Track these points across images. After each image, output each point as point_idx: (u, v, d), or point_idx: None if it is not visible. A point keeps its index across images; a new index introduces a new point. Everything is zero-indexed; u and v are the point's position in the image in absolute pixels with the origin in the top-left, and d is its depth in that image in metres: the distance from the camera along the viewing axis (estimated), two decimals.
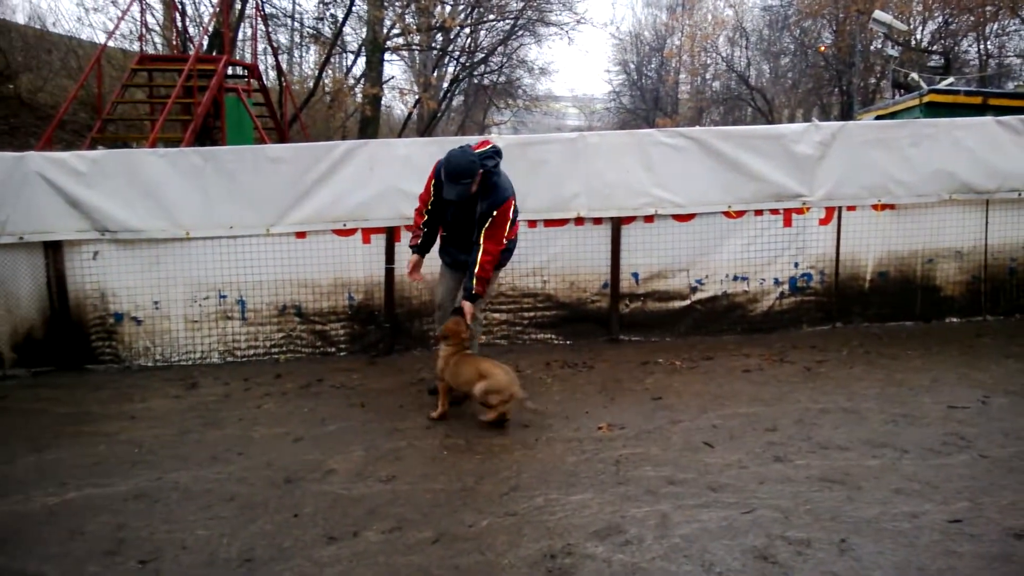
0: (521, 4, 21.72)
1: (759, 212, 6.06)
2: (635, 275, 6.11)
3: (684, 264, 6.12)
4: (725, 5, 32.28)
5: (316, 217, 5.82)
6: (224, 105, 11.41)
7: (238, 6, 15.75)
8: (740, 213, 6.05)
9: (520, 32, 23.45)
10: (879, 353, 5.49)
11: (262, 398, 5.07)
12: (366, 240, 5.90)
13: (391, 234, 5.87)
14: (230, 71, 12.47)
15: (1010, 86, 21.45)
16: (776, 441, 4.02)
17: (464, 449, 4.09)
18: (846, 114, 24.24)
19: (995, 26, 23.76)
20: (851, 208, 6.06)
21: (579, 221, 5.99)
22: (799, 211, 6.05)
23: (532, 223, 5.95)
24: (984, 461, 3.64)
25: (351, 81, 21.27)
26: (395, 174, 5.78)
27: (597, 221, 6.01)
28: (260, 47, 15.64)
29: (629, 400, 4.76)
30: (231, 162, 5.76)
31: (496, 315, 6.07)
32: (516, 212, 4.64)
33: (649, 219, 6.02)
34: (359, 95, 19.75)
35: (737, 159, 5.91)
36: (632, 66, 38.39)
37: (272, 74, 18.32)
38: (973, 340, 5.69)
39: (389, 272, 5.90)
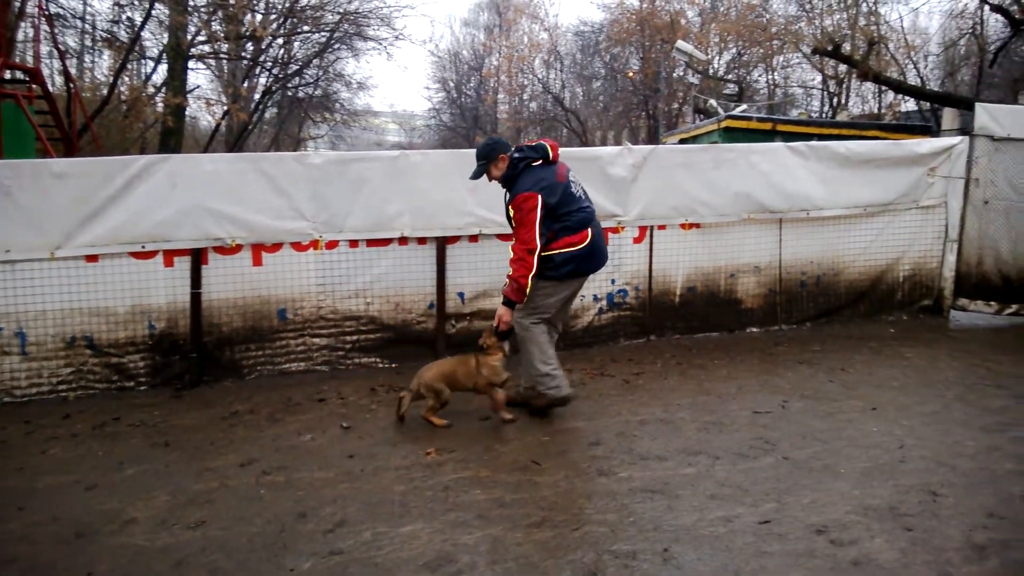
0: (337, 17, 21.33)
1: None
2: (461, 295, 6.13)
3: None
4: (540, 29, 33.70)
5: (110, 238, 5.30)
6: None
7: (17, 4, 14.15)
8: None
9: (336, 45, 23.03)
10: (690, 364, 5.88)
11: (47, 442, 4.52)
12: (168, 263, 5.45)
13: (197, 256, 5.47)
14: (7, 75, 11.17)
15: (794, 113, 24.11)
16: (600, 455, 4.17)
17: (284, 486, 3.86)
18: (653, 137, 26.09)
19: (781, 59, 26.69)
20: (662, 227, 6.46)
21: (403, 241, 5.91)
22: (615, 230, 6.35)
23: (354, 243, 5.81)
24: (787, 463, 3.99)
25: (151, 89, 19.80)
26: (201, 191, 5.40)
27: (422, 241, 5.97)
28: (44, 50, 14.15)
29: (457, 422, 4.73)
30: (7, 178, 5.11)
31: (316, 340, 5.84)
32: (546, 210, 4.40)
33: (474, 239, 6.06)
34: (160, 105, 18.42)
35: None
36: (451, 84, 38.95)
37: (59, 79, 16.65)
38: (772, 348, 6.26)
39: (195, 297, 5.49)
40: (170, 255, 5.44)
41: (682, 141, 15.19)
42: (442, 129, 39.01)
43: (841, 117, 20.94)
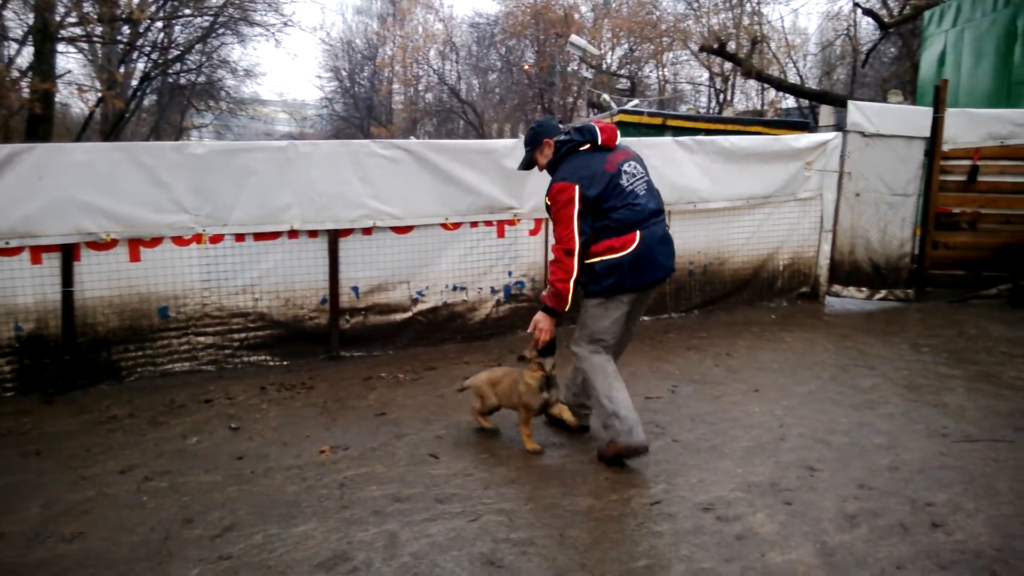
0: (221, 1, 20.47)
1: (475, 224, 6.33)
2: (355, 289, 6.03)
3: (405, 276, 6.19)
4: (435, 19, 33.50)
5: None
6: None
7: None
8: (457, 225, 6.26)
9: (221, 30, 22.10)
10: None
11: None
12: (36, 260, 5.10)
13: (68, 253, 5.14)
14: None
15: (684, 109, 24.98)
16: (498, 445, 4.21)
17: (168, 492, 3.70)
18: None
19: (671, 55, 27.57)
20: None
21: (293, 234, 5.76)
22: (511, 223, 6.42)
23: (240, 237, 5.61)
24: (676, 445, 4.15)
25: (15, 74, 18.37)
26: (72, 183, 5.07)
27: (312, 234, 5.84)
28: None
29: (352, 419, 4.68)
30: None
31: (201, 339, 5.61)
32: (586, 203, 3.70)
33: (367, 231, 5.98)
34: (26, 90, 17.14)
35: (452, 172, 6.12)
36: (344, 73, 38.16)
37: None
38: (662, 336, 6.49)
39: (67, 296, 5.16)
40: (38, 251, 5.09)
41: None
42: (335, 119, 38.20)
43: (727, 113, 21.89)
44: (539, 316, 3.89)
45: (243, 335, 5.75)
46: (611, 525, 3.31)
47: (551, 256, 3.82)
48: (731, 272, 7.30)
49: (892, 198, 7.47)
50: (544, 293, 3.89)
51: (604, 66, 26.69)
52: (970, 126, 7.51)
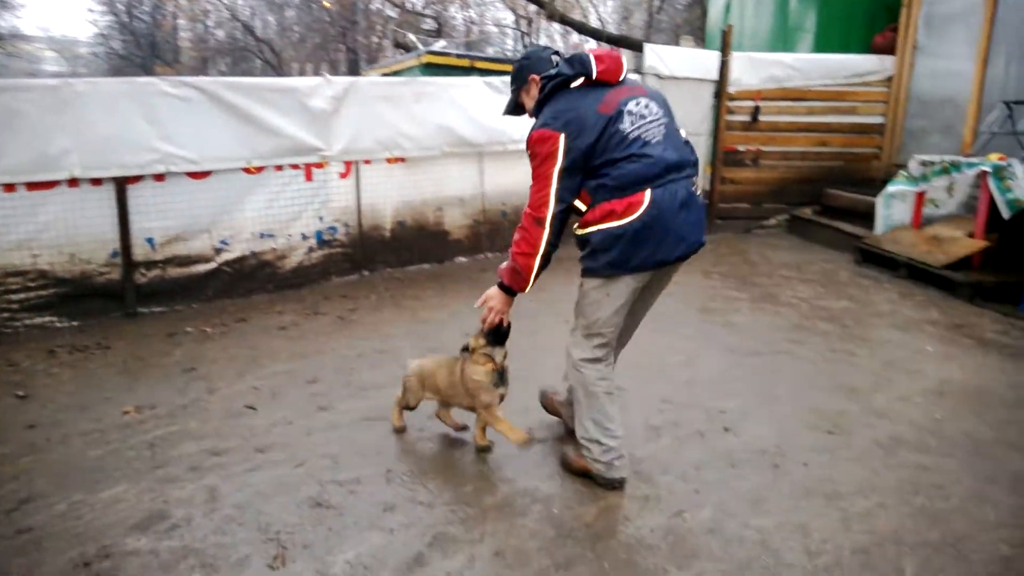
0: None
1: (279, 167, 6.08)
2: (150, 240, 5.62)
3: (205, 225, 5.84)
4: None
5: None
6: None
7: None
8: (260, 169, 5.98)
9: None
10: (403, 296, 6.05)
11: None
12: None
13: None
14: None
15: (490, 51, 25.13)
16: (319, 392, 4.17)
17: None
18: (353, 71, 25.58)
19: None
20: (367, 162, 6.46)
21: (73, 182, 5.24)
22: (319, 165, 6.23)
23: (10, 187, 5.03)
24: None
25: None
26: None
27: (96, 182, 5.34)
28: None
29: (157, 376, 4.41)
30: None
31: None
32: (577, 157, 2.81)
33: (160, 177, 5.56)
34: None
35: (252, 112, 5.80)
36: (120, 6, 34.44)
37: None
38: (479, 276, 6.65)
39: None
40: None
41: (384, 76, 15.12)
42: (113, 58, 34.50)
43: None
44: (492, 291, 3.14)
45: (22, 296, 5.19)
46: (438, 457, 3.41)
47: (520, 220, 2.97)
48: None
49: (687, 137, 8.04)
50: (502, 266, 3.08)
51: (409, 5, 26.13)
52: (752, 69, 8.23)
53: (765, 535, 2.81)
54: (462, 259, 7.16)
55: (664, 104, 2.99)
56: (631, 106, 2.86)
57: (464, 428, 3.65)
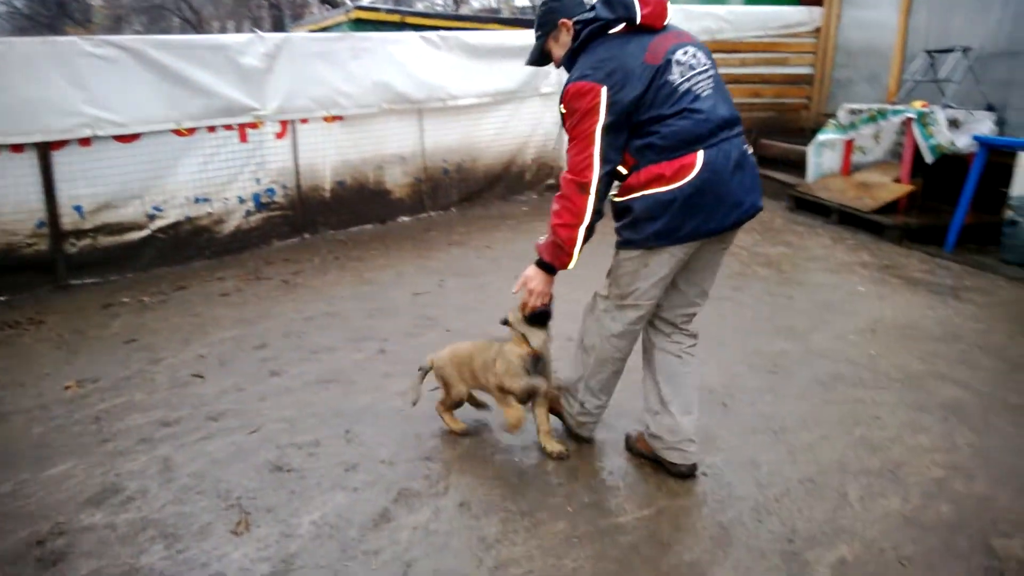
0: None
1: (212, 128, 5.88)
2: (78, 208, 5.39)
3: (137, 191, 5.63)
4: None
5: None
6: None
7: None
8: (192, 130, 5.78)
9: None
10: (348, 257, 5.97)
11: None
12: None
13: None
14: None
15: (420, 6, 24.59)
16: (269, 357, 4.11)
17: None
18: (278, 28, 24.71)
19: None
20: (304, 121, 6.30)
21: None
22: (253, 125, 6.05)
23: None
24: (449, 334, 4.33)
25: None
26: None
27: (17, 148, 5.08)
28: None
29: (96, 349, 4.28)
30: None
31: None
32: (620, 113, 2.45)
33: (86, 142, 5.32)
34: None
35: (181, 72, 5.58)
36: None
37: None
38: (423, 235, 6.61)
39: None
40: None
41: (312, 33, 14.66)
42: (16, 18, 32.46)
43: (463, 11, 21.93)
44: (531, 271, 2.76)
45: None
46: (396, 416, 3.42)
47: (559, 191, 2.58)
48: (484, 168, 7.54)
49: None
50: (540, 240, 2.73)
51: None
52: (687, 21, 8.26)
53: (718, 471, 2.93)
54: (405, 218, 7.09)
55: (709, 54, 2.63)
56: (679, 55, 2.51)
57: (467, 433, 3.26)
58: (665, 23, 2.61)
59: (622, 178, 2.56)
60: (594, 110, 2.44)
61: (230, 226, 6.11)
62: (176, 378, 3.89)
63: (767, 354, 4.03)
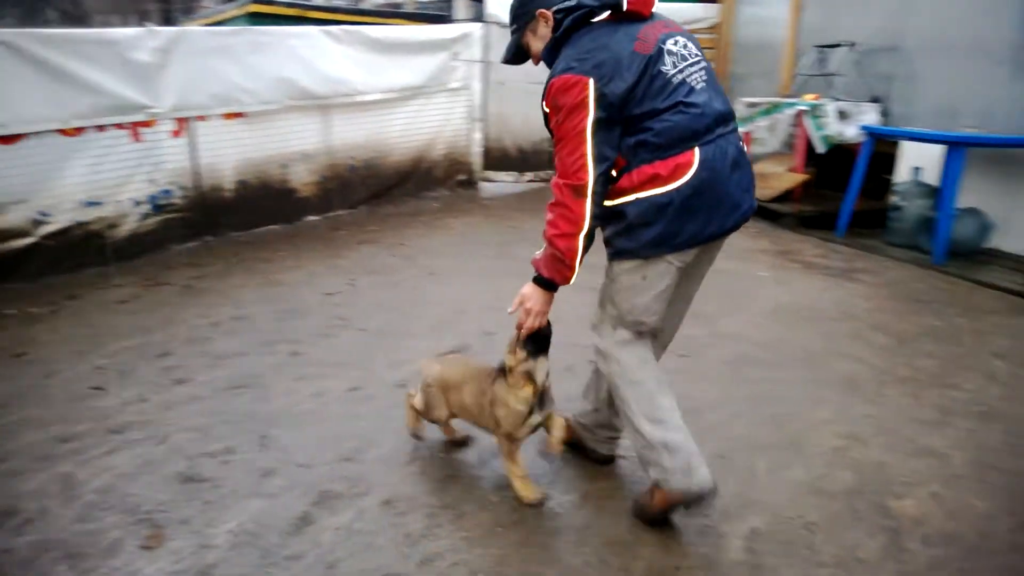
0: None
1: (102, 128, 5.60)
2: None
3: (20, 195, 5.31)
4: None
5: None
6: None
7: None
8: (80, 130, 5.49)
9: None
10: (254, 259, 5.82)
11: None
12: None
13: None
14: None
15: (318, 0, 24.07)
16: (173, 365, 3.97)
17: None
18: (168, 23, 23.75)
19: None
20: (202, 118, 6.09)
21: None
22: (147, 124, 5.81)
23: None
24: (364, 334, 4.29)
25: None
26: None
27: None
28: None
29: None
30: None
31: None
32: (610, 107, 2.24)
33: None
34: None
35: (66, 68, 5.29)
36: None
37: None
38: (332, 234, 6.51)
39: None
40: None
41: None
42: None
43: (364, 5, 21.64)
44: (527, 289, 2.50)
45: None
46: (312, 417, 3.37)
47: (551, 195, 2.35)
48: (393, 165, 7.48)
49: (531, 86, 8.15)
50: (536, 255, 2.47)
51: None
52: None
53: (632, 452, 3.02)
54: (313, 218, 6.96)
55: (698, 44, 2.46)
56: (670, 44, 2.34)
57: (464, 443, 3.11)
58: (653, 9, 2.42)
59: (612, 180, 2.35)
60: (582, 105, 2.22)
61: (125, 230, 5.85)
62: (73, 392, 3.70)
63: (677, 339, 4.09)
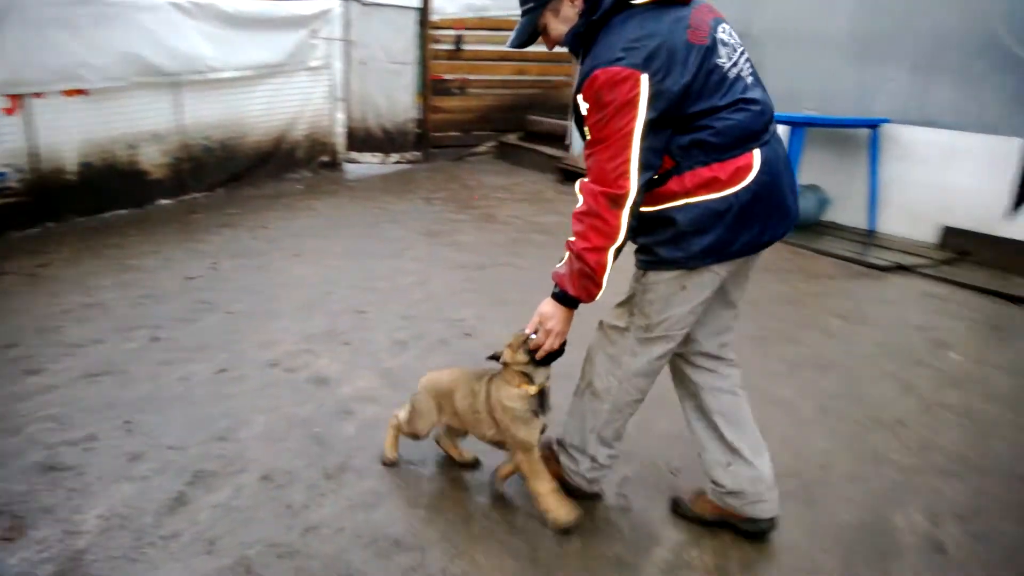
0: None
1: None
2: None
3: None
4: None
5: None
6: None
7: None
8: None
9: None
10: (104, 244, 5.53)
11: None
12: None
13: None
14: None
15: None
16: (22, 355, 3.75)
17: None
18: None
19: None
20: (39, 95, 5.70)
21: None
22: None
23: None
24: (230, 316, 4.22)
25: None
26: None
27: None
28: None
29: None
30: None
31: None
32: (665, 105, 2.00)
33: None
34: None
35: None
36: None
37: None
38: (188, 217, 6.27)
39: None
40: None
41: None
42: None
43: None
44: (548, 307, 2.28)
45: None
46: (179, 401, 3.30)
47: (578, 200, 2.13)
48: (252, 145, 7.29)
49: (393, 66, 8.18)
50: (558, 268, 2.23)
51: None
52: None
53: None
54: (166, 201, 6.67)
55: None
56: (722, 33, 2.11)
57: (475, 465, 2.86)
58: None
59: (655, 184, 2.11)
60: (632, 104, 1.97)
61: None
62: None
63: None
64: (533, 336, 2.29)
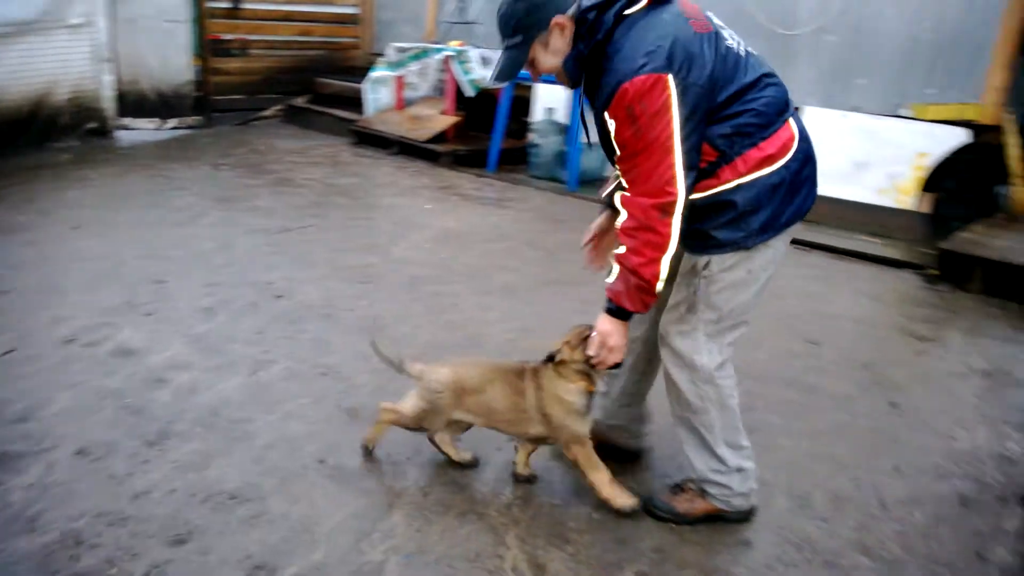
0: None
1: None
2: None
3: None
4: None
5: None
6: None
7: None
8: None
9: None
10: None
11: None
12: None
13: None
14: None
15: None
16: None
17: None
18: None
19: None
20: None
21: None
22: None
23: None
24: (9, 296, 3.87)
25: None
26: None
27: None
28: None
29: None
30: None
31: None
32: (696, 103, 1.99)
33: None
34: None
35: None
36: None
37: None
38: None
39: None
40: None
41: None
42: None
43: None
44: (606, 325, 2.25)
45: None
46: None
47: (622, 216, 2.12)
48: (7, 111, 6.59)
49: (167, 24, 7.70)
50: (612, 283, 2.19)
51: None
52: None
53: (335, 369, 3.30)
54: None
55: None
56: (715, 19, 2.18)
57: (475, 465, 2.71)
58: None
59: (704, 176, 2.13)
60: (666, 107, 1.98)
61: None
62: None
63: (357, 268, 4.49)
64: (594, 335, 2.29)
